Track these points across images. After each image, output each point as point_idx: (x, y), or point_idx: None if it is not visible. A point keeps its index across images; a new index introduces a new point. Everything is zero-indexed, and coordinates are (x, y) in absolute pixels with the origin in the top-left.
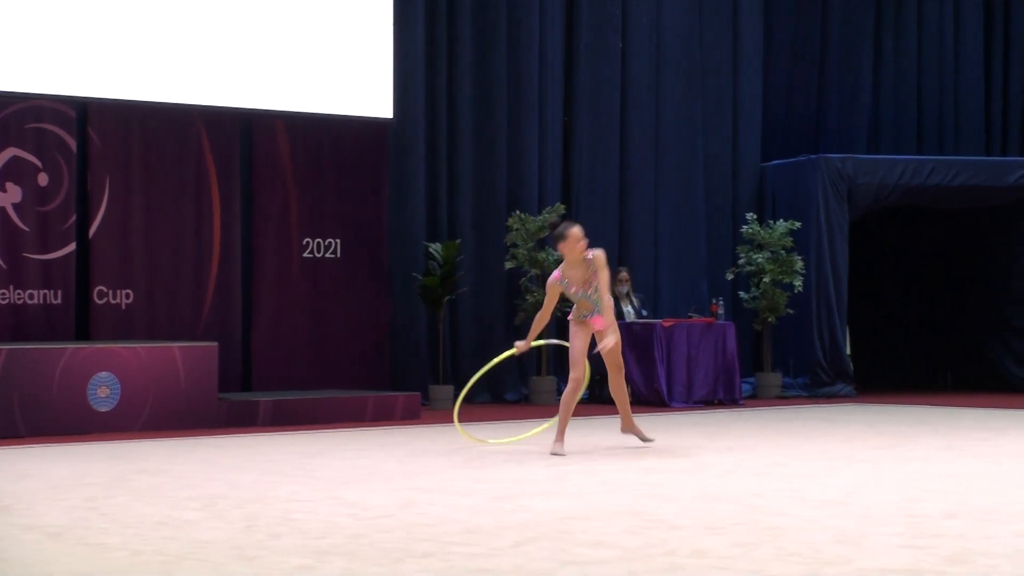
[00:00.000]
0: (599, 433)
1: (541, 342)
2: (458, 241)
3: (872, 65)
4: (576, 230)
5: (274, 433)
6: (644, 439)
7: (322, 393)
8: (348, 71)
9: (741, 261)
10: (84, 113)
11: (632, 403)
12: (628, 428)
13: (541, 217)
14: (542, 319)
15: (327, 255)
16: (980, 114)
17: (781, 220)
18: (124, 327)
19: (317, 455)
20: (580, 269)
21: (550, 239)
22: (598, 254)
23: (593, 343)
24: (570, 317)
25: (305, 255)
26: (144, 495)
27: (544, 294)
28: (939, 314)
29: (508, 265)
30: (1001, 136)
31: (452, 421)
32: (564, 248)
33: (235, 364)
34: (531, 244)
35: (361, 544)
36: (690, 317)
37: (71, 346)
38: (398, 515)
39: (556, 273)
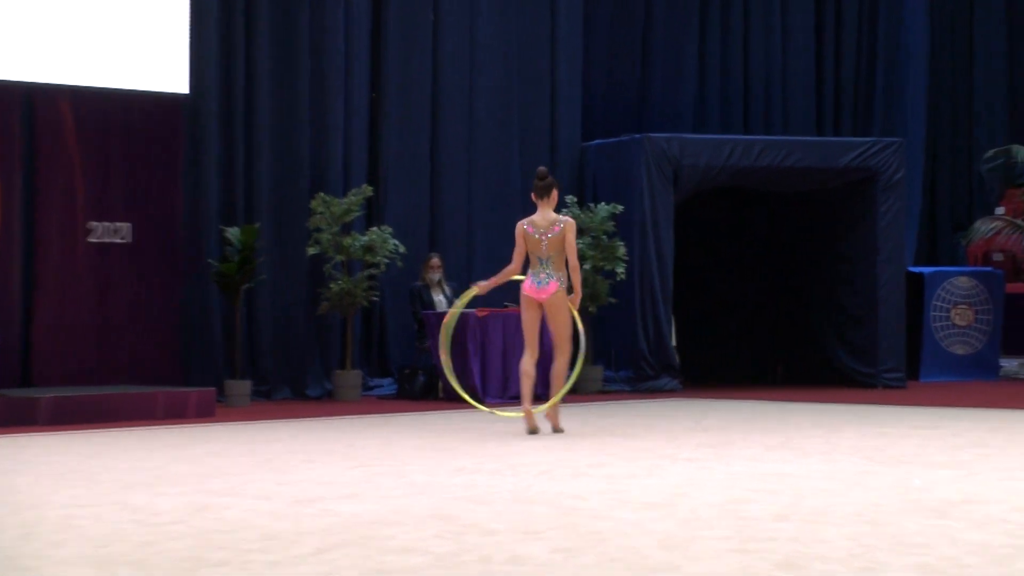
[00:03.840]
0: (406, 431)
1: (459, 307)
2: (257, 225)
3: (698, 42)
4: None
5: (55, 433)
6: (557, 428)
7: (109, 389)
8: (140, 42)
9: None
10: None
11: (445, 399)
12: (551, 416)
13: (347, 200)
14: (511, 270)
15: (116, 240)
16: (811, 94)
17: (603, 203)
18: None
19: (102, 456)
20: (546, 218)
21: (545, 182)
22: (571, 221)
23: (543, 328)
24: (523, 287)
25: (92, 239)
26: None
27: None
28: (770, 303)
29: (311, 251)
30: (833, 117)
31: (250, 419)
32: (552, 200)
33: (13, 358)
34: (336, 228)
35: (150, 552)
36: (506, 307)
37: None
38: (190, 520)
39: (523, 222)
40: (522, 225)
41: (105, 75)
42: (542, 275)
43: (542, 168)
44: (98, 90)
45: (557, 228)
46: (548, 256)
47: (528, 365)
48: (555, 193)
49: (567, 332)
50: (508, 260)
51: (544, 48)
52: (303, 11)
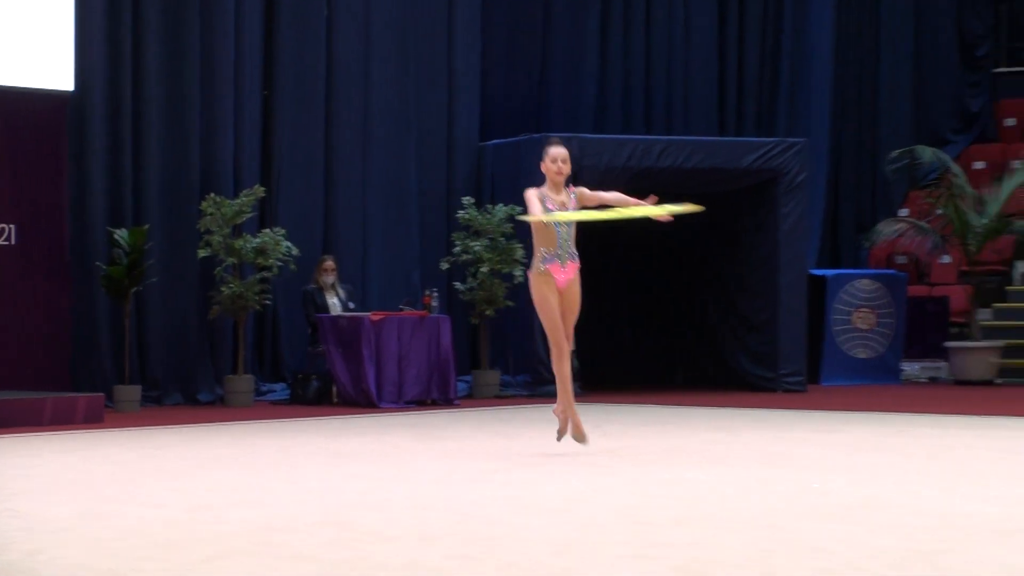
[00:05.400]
0: (299, 437)
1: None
2: (146, 227)
3: (599, 40)
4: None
5: None
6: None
7: None
8: (23, 38)
9: (457, 249)
10: None
11: (339, 404)
12: (573, 415)
13: (238, 201)
14: (618, 197)
15: (0, 242)
16: (714, 94)
17: (501, 204)
18: None
19: None
20: (558, 194)
21: (563, 150)
22: (580, 188)
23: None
24: (531, 270)
25: None
26: None
27: None
28: (671, 306)
29: (202, 253)
30: (736, 117)
31: (140, 425)
32: (565, 167)
33: None
34: (227, 230)
35: (39, 561)
36: (401, 310)
37: None
38: (80, 528)
39: (535, 189)
40: (535, 193)
41: None
42: (566, 257)
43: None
44: None
45: (572, 203)
46: (567, 233)
47: (566, 367)
48: (569, 160)
49: (575, 320)
50: (403, 263)
51: (441, 46)
52: (192, 7)
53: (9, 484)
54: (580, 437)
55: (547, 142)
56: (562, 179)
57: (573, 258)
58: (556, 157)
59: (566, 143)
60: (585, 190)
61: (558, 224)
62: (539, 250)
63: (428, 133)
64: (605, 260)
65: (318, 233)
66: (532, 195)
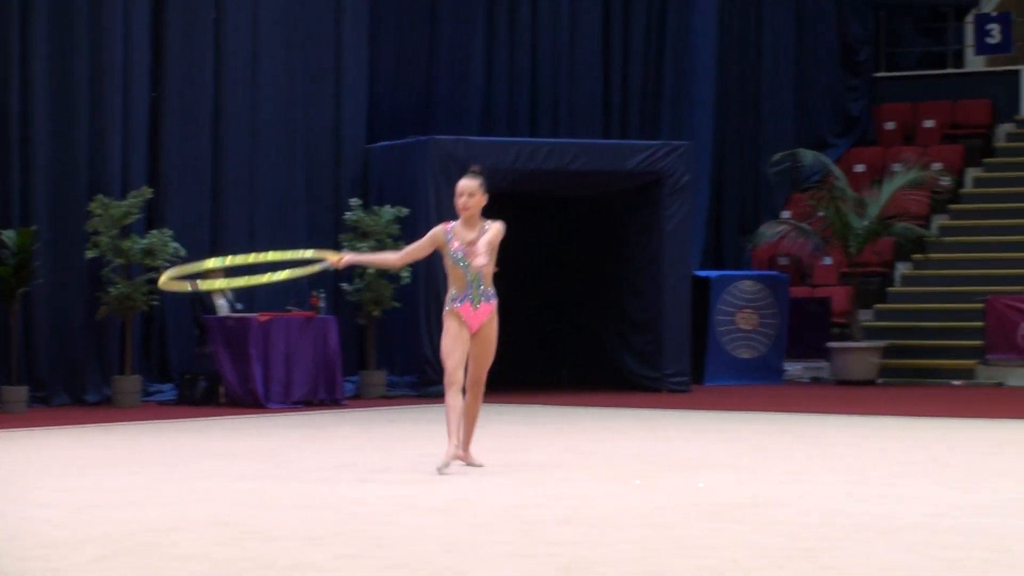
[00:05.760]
0: (187, 437)
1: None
2: (34, 228)
3: (485, 44)
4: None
5: None
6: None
7: None
8: None
9: (345, 250)
10: None
11: (226, 404)
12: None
13: (126, 202)
14: (395, 259)
15: None
16: (598, 97)
17: (388, 206)
18: None
19: None
20: (469, 230)
21: (470, 183)
22: (499, 225)
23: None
24: (446, 307)
25: None
26: None
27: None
28: (557, 307)
29: (89, 254)
30: (620, 120)
31: (27, 426)
32: (478, 199)
33: None
34: (115, 231)
35: None
36: (289, 311)
37: None
38: None
39: (446, 226)
40: (442, 231)
41: None
42: (479, 297)
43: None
44: None
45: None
46: (476, 275)
47: (459, 399)
48: (485, 193)
49: (493, 358)
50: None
51: (329, 49)
52: (81, 8)
53: None
54: (463, 459)
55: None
56: (470, 214)
57: (487, 298)
58: (461, 191)
59: (452, 145)
60: (497, 227)
61: (465, 264)
62: (450, 289)
63: (315, 135)
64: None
65: (206, 234)
66: (429, 234)
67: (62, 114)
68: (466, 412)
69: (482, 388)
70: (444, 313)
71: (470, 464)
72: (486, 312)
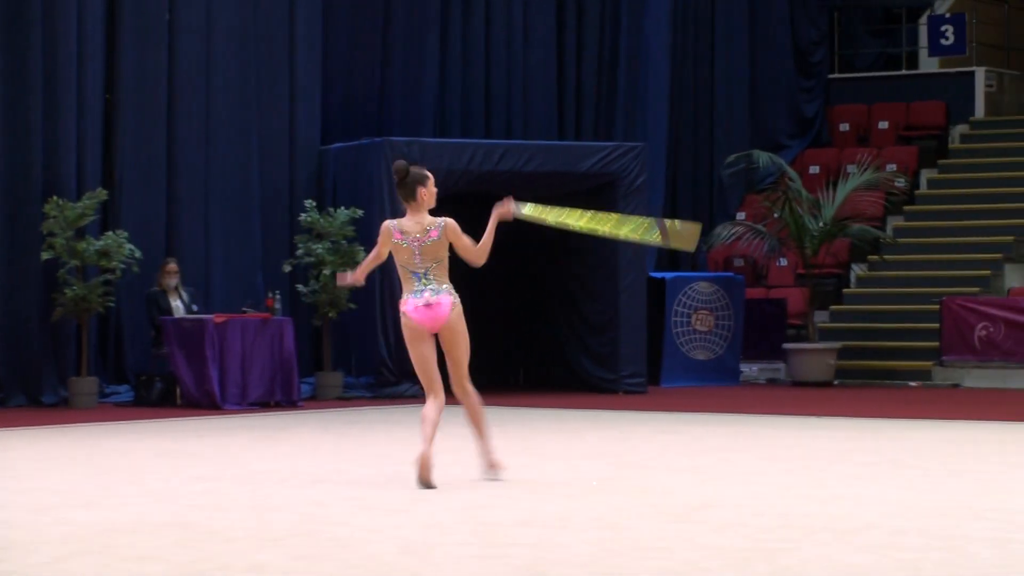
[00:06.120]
0: (144, 438)
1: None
2: None
3: (439, 46)
4: (431, 177)
5: None
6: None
7: None
8: None
9: (299, 252)
10: None
11: (183, 405)
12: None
13: (81, 204)
14: (375, 259)
15: None
16: (553, 99)
17: (342, 208)
18: None
19: None
20: (419, 222)
21: (404, 181)
22: (452, 222)
23: (440, 350)
24: (401, 307)
25: None
26: None
27: None
28: (513, 308)
29: (45, 256)
30: (575, 121)
31: None
32: (423, 195)
33: None
34: (70, 233)
35: None
36: (244, 312)
37: None
38: None
39: (390, 223)
40: (389, 226)
41: None
42: (426, 293)
43: (399, 162)
44: None
45: (434, 233)
46: (425, 268)
47: (432, 411)
48: (423, 192)
49: (468, 355)
50: (246, 265)
51: (282, 51)
52: (35, 8)
53: None
54: (425, 477)
55: (419, 167)
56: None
57: (438, 294)
58: (431, 183)
59: (406, 147)
60: (454, 233)
61: (418, 276)
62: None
63: (270, 137)
64: (453, 262)
65: (161, 236)
66: (383, 229)
67: (16, 115)
68: (472, 419)
69: (469, 389)
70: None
71: (497, 470)
72: (440, 309)
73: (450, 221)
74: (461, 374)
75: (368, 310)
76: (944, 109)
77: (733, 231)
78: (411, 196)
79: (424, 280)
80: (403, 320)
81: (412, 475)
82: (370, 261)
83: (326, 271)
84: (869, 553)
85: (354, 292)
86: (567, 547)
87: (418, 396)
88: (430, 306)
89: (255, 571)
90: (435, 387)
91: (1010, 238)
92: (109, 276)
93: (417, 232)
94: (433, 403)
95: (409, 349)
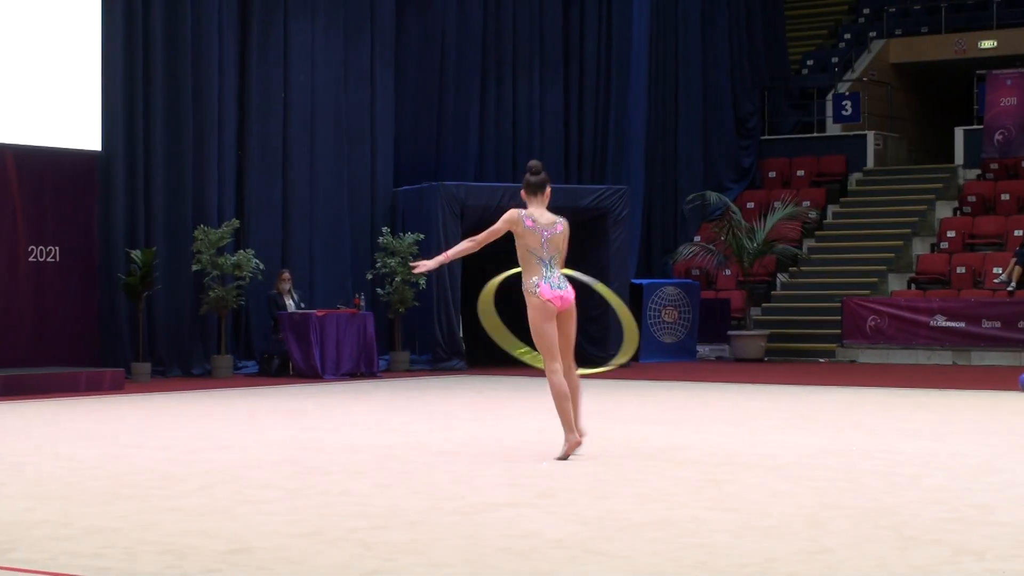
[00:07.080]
0: (265, 400)
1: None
2: (154, 249)
3: (479, 116)
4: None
5: (4, 401)
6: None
7: (43, 369)
8: (64, 111)
9: (378, 265)
10: None
11: (294, 376)
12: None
13: (220, 230)
14: (470, 247)
15: (48, 259)
16: (560, 153)
17: (409, 233)
18: None
19: (37, 418)
20: (544, 215)
21: (539, 178)
22: (567, 223)
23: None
24: (534, 289)
25: (31, 259)
26: None
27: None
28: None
29: (194, 268)
30: (577, 170)
31: (150, 391)
32: (545, 197)
33: None
34: (212, 251)
35: (75, 490)
36: (338, 308)
37: None
38: (106, 466)
39: (522, 212)
40: (518, 213)
41: (39, 135)
42: (554, 279)
43: (534, 162)
44: (36, 148)
45: (559, 228)
46: (550, 256)
47: (566, 384)
48: (548, 191)
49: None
50: (339, 275)
51: (366, 117)
52: (186, 89)
53: (54, 434)
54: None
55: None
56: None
57: (564, 281)
58: (548, 189)
59: (455, 189)
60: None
61: (544, 263)
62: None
63: (357, 181)
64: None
65: (278, 253)
66: (508, 216)
67: (172, 168)
68: (573, 390)
69: (573, 365)
70: (528, 298)
71: (582, 435)
72: (572, 294)
73: (565, 221)
74: (572, 349)
75: (427, 306)
76: (844, 161)
77: (691, 250)
78: (540, 191)
79: (550, 268)
80: (535, 301)
81: (556, 453)
82: (484, 237)
83: (397, 279)
84: (791, 483)
85: (416, 293)
86: (571, 477)
87: (463, 369)
88: (563, 291)
89: (346, 495)
90: (559, 356)
91: (892, 255)
92: (241, 282)
93: (545, 223)
94: (561, 375)
95: (540, 326)
